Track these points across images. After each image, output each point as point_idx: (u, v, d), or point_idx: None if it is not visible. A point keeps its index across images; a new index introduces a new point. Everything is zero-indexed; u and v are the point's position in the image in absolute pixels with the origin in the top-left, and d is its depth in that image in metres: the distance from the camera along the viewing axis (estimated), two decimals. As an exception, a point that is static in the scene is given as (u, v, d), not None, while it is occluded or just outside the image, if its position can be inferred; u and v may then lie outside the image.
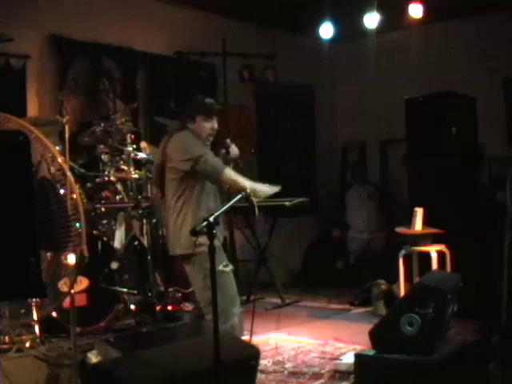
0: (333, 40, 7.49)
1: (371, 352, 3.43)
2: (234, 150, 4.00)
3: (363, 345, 4.20)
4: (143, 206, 4.84)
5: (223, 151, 3.97)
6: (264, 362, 4.28)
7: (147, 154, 5.03)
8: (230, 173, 3.71)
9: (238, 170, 3.90)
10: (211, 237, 2.67)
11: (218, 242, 3.71)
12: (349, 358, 4.09)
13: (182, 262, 3.82)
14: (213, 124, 3.89)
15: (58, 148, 3.72)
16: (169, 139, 3.84)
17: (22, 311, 3.87)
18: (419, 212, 5.32)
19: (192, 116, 3.87)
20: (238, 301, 3.72)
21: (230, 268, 3.72)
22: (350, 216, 7.56)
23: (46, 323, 3.95)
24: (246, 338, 3.73)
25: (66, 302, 3.59)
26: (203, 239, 3.52)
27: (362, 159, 8.73)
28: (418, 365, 3.20)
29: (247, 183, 3.63)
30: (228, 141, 4.00)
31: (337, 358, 4.45)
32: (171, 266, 5.13)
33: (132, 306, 4.59)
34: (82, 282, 4.03)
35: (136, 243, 4.94)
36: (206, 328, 3.43)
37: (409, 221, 5.42)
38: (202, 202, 3.72)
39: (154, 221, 5.02)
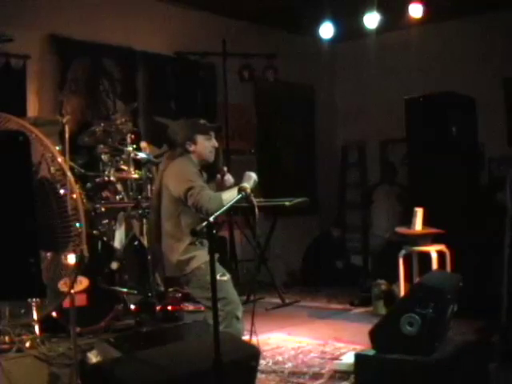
0: (333, 40, 7.50)
1: (371, 352, 3.43)
2: (230, 178, 4.05)
3: (363, 345, 4.20)
4: (143, 206, 4.83)
5: (218, 177, 4.04)
6: (264, 362, 4.28)
7: (147, 154, 5.02)
8: (217, 202, 3.58)
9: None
10: (211, 237, 2.66)
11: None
12: (349, 358, 4.09)
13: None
14: (213, 142, 3.95)
15: (57, 148, 3.72)
16: (167, 164, 3.89)
17: (22, 311, 3.86)
18: (419, 212, 5.32)
19: (191, 138, 3.90)
20: (241, 306, 3.80)
21: (227, 277, 3.78)
22: (374, 214, 7.49)
23: (46, 323, 3.94)
24: (246, 337, 3.73)
25: (66, 302, 3.59)
26: (192, 255, 3.71)
27: (383, 158, 8.65)
28: (418, 365, 3.20)
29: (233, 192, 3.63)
30: (225, 169, 4.08)
31: (337, 358, 4.44)
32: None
33: (132, 306, 4.58)
34: (82, 282, 4.03)
35: (136, 243, 4.94)
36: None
37: (409, 221, 5.43)
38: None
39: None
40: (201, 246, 3.78)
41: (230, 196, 3.62)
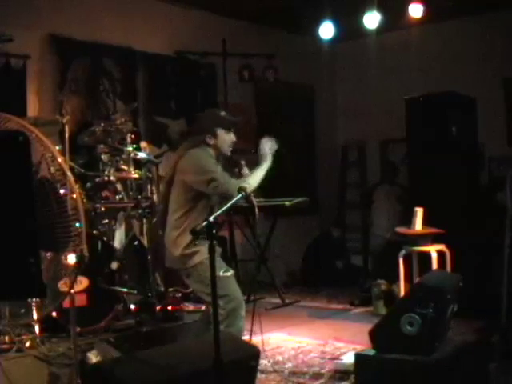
0: (333, 40, 7.49)
1: (371, 352, 3.43)
2: (247, 172, 3.92)
3: (363, 345, 4.20)
4: (143, 206, 4.83)
5: (236, 170, 3.94)
6: (264, 362, 4.28)
7: (147, 154, 5.03)
8: (247, 185, 3.60)
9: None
10: (211, 237, 2.66)
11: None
12: (349, 358, 4.09)
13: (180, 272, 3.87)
14: (232, 137, 3.87)
15: (57, 148, 3.72)
16: (182, 154, 3.78)
17: (22, 311, 3.86)
18: (419, 212, 5.32)
19: (212, 130, 3.80)
20: (243, 304, 3.72)
21: (230, 273, 3.71)
22: (375, 214, 7.48)
23: (46, 323, 3.95)
24: (247, 337, 3.73)
25: (66, 302, 3.59)
26: (196, 250, 3.62)
27: (384, 158, 8.63)
28: (418, 365, 3.20)
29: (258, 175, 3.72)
30: (242, 162, 3.97)
31: (337, 358, 4.44)
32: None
33: (132, 306, 4.58)
34: (82, 282, 4.03)
35: (136, 243, 4.94)
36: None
37: (409, 221, 5.43)
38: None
39: (153, 221, 5.02)
40: (204, 241, 3.69)
41: (256, 180, 3.68)
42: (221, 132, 3.80)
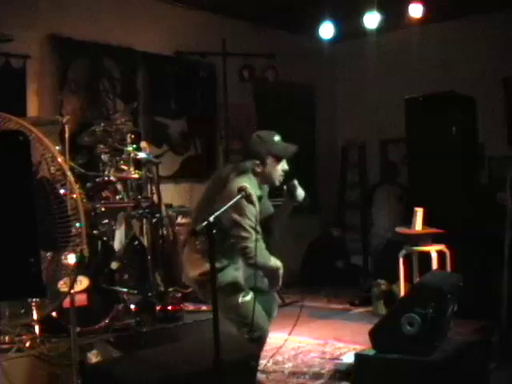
0: (333, 40, 7.49)
1: (371, 352, 3.42)
2: (301, 193, 3.64)
3: (363, 345, 4.20)
4: (143, 206, 4.83)
5: (285, 188, 3.66)
6: (264, 362, 4.28)
7: (147, 154, 5.02)
8: (258, 261, 3.53)
9: (302, 209, 3.69)
10: (211, 238, 2.65)
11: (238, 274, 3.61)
12: (349, 358, 4.09)
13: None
14: (284, 166, 3.60)
15: (57, 148, 3.71)
16: (227, 181, 3.47)
17: (22, 311, 3.86)
18: (419, 212, 5.32)
19: (262, 158, 3.52)
20: (267, 330, 3.57)
21: (250, 296, 3.53)
22: (375, 214, 7.49)
23: (46, 323, 3.94)
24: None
25: (66, 302, 3.59)
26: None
27: (384, 158, 8.65)
28: (418, 365, 3.19)
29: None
30: (295, 183, 3.65)
31: (337, 358, 4.45)
32: (171, 266, 5.14)
33: (132, 306, 4.58)
34: (82, 282, 4.03)
35: (136, 243, 4.94)
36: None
37: (409, 221, 5.43)
38: (227, 253, 3.51)
39: (153, 221, 5.02)
40: (230, 265, 3.51)
41: (274, 263, 3.74)
42: (271, 160, 3.55)
